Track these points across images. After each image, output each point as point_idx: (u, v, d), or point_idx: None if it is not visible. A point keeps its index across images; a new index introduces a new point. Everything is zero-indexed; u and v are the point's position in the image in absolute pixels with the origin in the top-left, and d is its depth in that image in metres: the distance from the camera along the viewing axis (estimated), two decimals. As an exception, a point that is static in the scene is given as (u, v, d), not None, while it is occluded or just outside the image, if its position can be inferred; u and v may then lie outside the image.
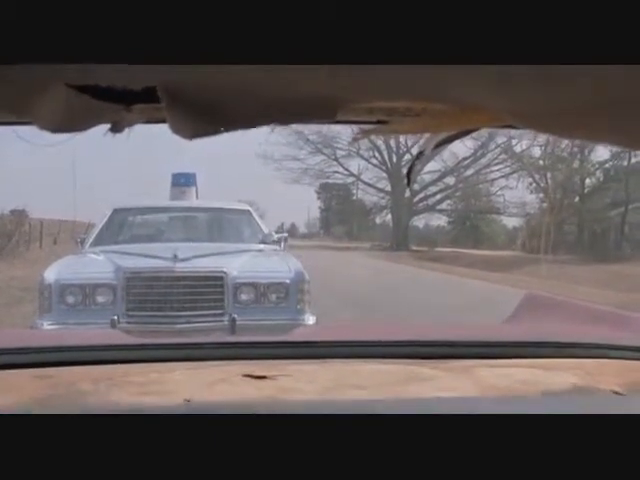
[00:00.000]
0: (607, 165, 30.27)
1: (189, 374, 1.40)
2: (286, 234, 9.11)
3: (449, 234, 42.52)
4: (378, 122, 0.88)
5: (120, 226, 8.66)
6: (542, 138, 30.02)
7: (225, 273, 6.61)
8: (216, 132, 0.80)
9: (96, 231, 8.24)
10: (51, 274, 6.63)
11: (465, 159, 36.98)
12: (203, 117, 0.78)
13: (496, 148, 35.27)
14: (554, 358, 1.56)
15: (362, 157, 39.24)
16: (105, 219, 8.33)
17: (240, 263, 6.92)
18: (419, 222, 43.65)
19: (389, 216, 41.59)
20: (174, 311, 6.31)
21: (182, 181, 9.26)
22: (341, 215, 51.01)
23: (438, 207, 39.95)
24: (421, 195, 38.96)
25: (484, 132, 31.65)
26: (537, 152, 32.41)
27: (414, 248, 35.38)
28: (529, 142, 31.78)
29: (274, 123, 0.81)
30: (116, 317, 6.23)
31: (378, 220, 48.41)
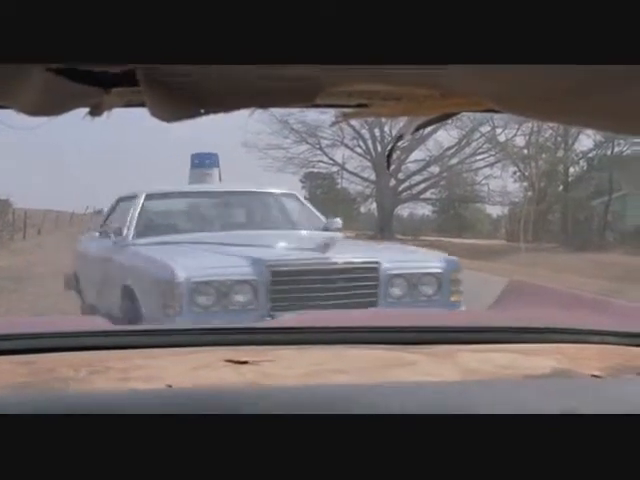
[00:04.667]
0: (591, 154, 30.40)
1: (171, 360, 1.40)
2: (339, 220, 8.33)
3: (433, 223, 42.56)
4: (358, 106, 0.88)
5: (161, 214, 7.77)
6: (526, 127, 30.14)
7: (378, 264, 5.93)
8: (195, 115, 0.80)
9: (132, 220, 7.11)
10: (180, 270, 5.56)
11: (449, 148, 37.01)
12: (182, 100, 0.78)
13: (480, 137, 35.33)
14: (535, 343, 1.57)
15: (346, 146, 39.19)
16: (138, 207, 7.25)
17: (386, 253, 6.35)
18: (404, 211, 43.68)
19: (374, 205, 41.59)
20: (326, 309, 5.34)
21: (204, 162, 8.45)
22: (326, 204, 50.93)
23: (423, 196, 39.92)
24: (406, 184, 38.95)
25: (468, 121, 31.70)
26: (521, 141, 32.51)
27: (399, 237, 35.39)
28: (513, 131, 31.88)
29: (253, 106, 0.81)
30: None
31: (363, 209, 48.41)
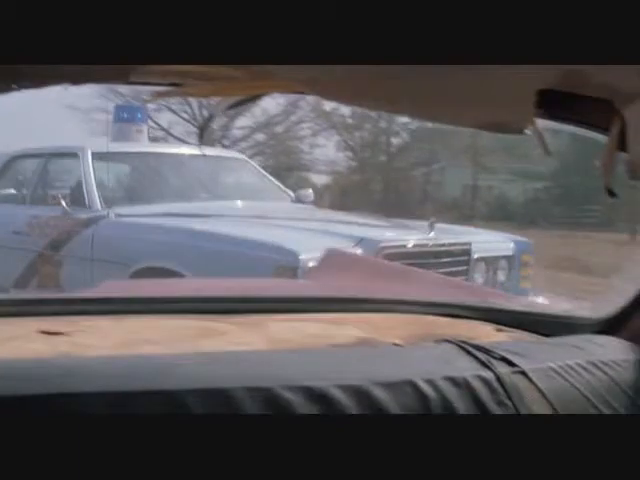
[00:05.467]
0: (412, 126, 31.13)
1: None
2: (311, 191, 7.43)
3: (259, 190, 42.63)
4: (172, 85, 0.90)
5: (121, 177, 6.70)
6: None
7: (470, 245, 5.39)
8: (7, 90, 0.80)
9: (89, 185, 5.91)
10: (304, 252, 4.50)
11: (276, 116, 37.08)
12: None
13: (306, 106, 35.54)
14: (344, 312, 1.63)
15: (172, 111, 38.59)
16: (88, 168, 6.02)
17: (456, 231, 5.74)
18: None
19: (199, 171, 41.11)
20: None
21: (134, 116, 7.24)
22: (151, 170, 49.86)
23: (248, 163, 39.91)
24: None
25: (295, 90, 31.85)
26: (346, 111, 32.88)
27: (223, 204, 34.99)
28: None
29: (66, 83, 0.82)
30: None
31: (188, 175, 47.85)
